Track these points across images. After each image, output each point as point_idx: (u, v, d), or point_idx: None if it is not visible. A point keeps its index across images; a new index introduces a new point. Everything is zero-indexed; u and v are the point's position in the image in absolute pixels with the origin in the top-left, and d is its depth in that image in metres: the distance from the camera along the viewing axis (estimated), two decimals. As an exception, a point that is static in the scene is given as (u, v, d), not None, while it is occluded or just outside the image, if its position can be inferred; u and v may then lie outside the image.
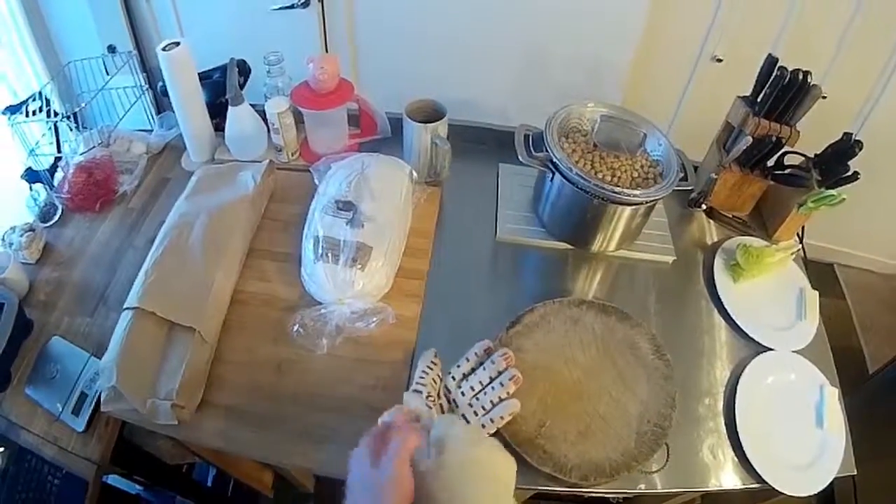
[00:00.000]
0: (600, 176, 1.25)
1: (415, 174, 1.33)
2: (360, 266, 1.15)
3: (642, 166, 1.31)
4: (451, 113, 1.40)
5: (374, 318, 1.14)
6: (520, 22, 1.72)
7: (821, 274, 3.39)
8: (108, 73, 1.57)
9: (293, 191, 1.42)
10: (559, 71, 1.75)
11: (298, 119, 1.47)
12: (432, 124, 1.34)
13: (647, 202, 1.25)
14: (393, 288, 1.24)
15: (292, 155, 1.50)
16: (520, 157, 1.26)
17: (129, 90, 1.59)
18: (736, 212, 1.59)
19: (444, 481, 0.69)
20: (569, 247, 1.41)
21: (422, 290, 1.27)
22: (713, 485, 1.16)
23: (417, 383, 0.95)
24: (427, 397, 0.93)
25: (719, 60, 2.02)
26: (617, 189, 1.20)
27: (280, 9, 1.86)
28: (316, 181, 1.31)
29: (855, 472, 1.30)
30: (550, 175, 1.28)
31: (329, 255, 1.15)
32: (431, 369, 0.97)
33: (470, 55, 1.80)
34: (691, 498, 1.61)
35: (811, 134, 1.49)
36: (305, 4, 1.84)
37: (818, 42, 2.04)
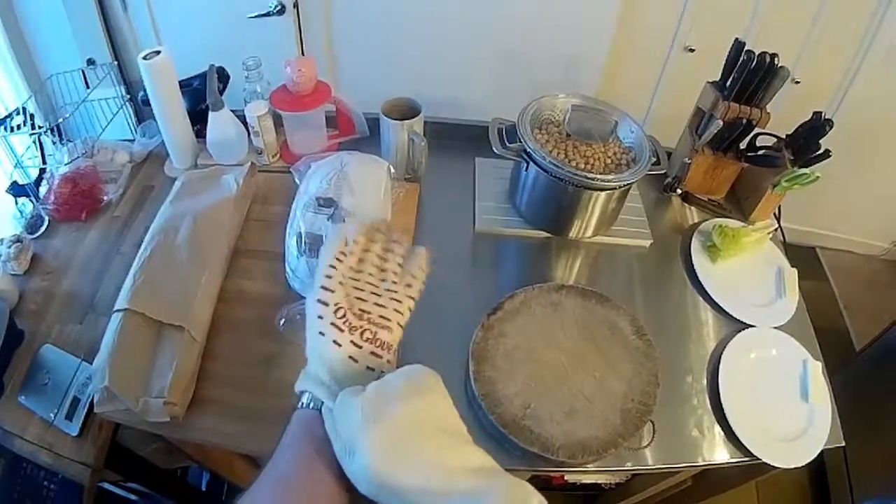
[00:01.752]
0: (574, 164, 1.28)
1: (393, 170, 1.35)
2: (342, 260, 1.17)
3: (615, 153, 1.34)
4: (429, 112, 1.43)
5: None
6: (495, 23, 1.75)
7: (803, 257, 3.43)
8: (88, 86, 1.59)
9: (275, 192, 1.44)
10: (535, 69, 1.78)
11: (278, 122, 1.49)
12: (408, 121, 1.37)
13: (620, 187, 1.28)
14: None
15: (273, 157, 1.52)
16: (494, 149, 1.29)
17: (111, 101, 1.61)
18: (711, 195, 1.62)
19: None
20: (547, 235, 1.44)
21: None
22: (702, 460, 1.18)
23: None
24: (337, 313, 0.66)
25: (691, 50, 2.06)
26: (590, 175, 1.23)
27: (257, 16, 1.88)
28: (297, 181, 1.33)
29: (843, 444, 1.32)
30: (525, 165, 1.31)
31: (312, 250, 1.17)
32: (341, 262, 0.70)
33: (447, 56, 1.83)
34: (682, 479, 1.64)
35: (786, 119, 1.52)
36: (281, 11, 1.87)
37: (789, 28, 2.08)
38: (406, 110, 1.42)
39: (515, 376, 1.12)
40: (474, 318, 1.18)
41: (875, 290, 3.43)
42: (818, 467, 2.38)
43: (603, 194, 1.28)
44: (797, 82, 2.12)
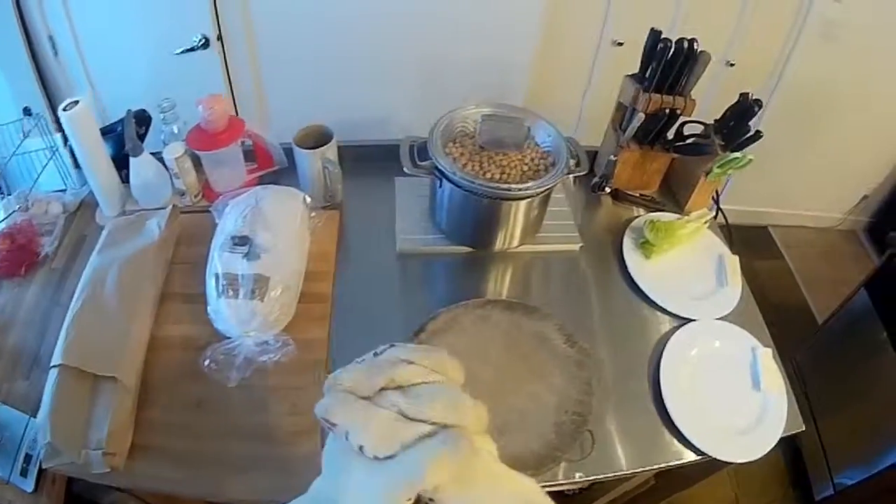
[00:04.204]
0: (489, 175, 1.28)
1: (309, 199, 1.35)
2: (259, 297, 1.17)
3: (532, 159, 1.33)
4: (360, 134, 1.44)
5: (280, 347, 1.16)
6: (417, 36, 1.74)
7: (756, 238, 3.49)
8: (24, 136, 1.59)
9: (198, 232, 1.43)
10: (461, 79, 1.77)
11: (198, 161, 1.48)
12: (320, 149, 1.36)
13: (538, 193, 1.27)
14: (297, 314, 1.26)
15: (196, 197, 1.51)
16: (405, 169, 1.28)
17: (44, 151, 1.60)
18: (643, 190, 1.61)
19: None
20: (471, 250, 1.43)
21: (327, 312, 1.28)
22: (653, 464, 1.17)
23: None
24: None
25: (619, 44, 2.05)
26: (504, 186, 1.23)
27: (183, 52, 1.87)
28: (216, 220, 1.33)
29: (803, 428, 1.31)
30: (439, 182, 1.30)
31: (229, 290, 1.17)
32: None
33: (373, 74, 1.82)
34: (643, 479, 1.63)
35: (724, 104, 1.51)
36: (206, 45, 1.86)
37: (718, 11, 2.07)
38: (320, 137, 1.41)
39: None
40: (403, 339, 1.17)
41: (831, 261, 3.44)
42: (792, 444, 2.39)
43: (523, 203, 1.28)
44: (732, 65, 2.12)
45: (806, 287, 3.27)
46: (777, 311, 2.92)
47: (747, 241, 3.24)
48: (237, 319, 1.16)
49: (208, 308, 1.22)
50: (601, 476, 1.13)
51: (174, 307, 1.32)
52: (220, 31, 1.88)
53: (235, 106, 2.00)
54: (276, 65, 1.87)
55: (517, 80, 1.71)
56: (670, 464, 1.19)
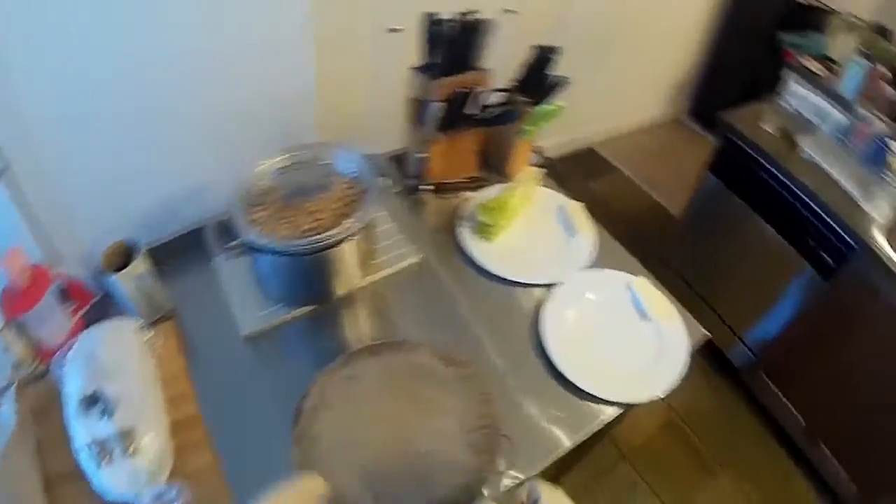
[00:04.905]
0: (304, 228, 1.19)
1: (141, 320, 1.24)
2: (133, 452, 1.06)
3: (344, 193, 1.26)
4: (179, 216, 1.38)
5: (176, 496, 1.07)
6: (195, 106, 1.60)
7: (584, 160, 3.54)
8: None
9: (53, 400, 1.29)
10: (250, 125, 1.65)
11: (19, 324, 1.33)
12: (128, 269, 1.22)
13: (358, 230, 1.20)
14: (178, 448, 1.13)
15: (35, 363, 1.35)
16: (217, 257, 1.19)
17: None
18: (465, 173, 1.58)
19: None
20: (315, 307, 1.33)
21: (203, 433, 1.17)
22: (582, 431, 1.17)
23: None
24: None
25: (396, 31, 1.96)
26: (322, 237, 1.15)
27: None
28: (58, 387, 1.20)
29: (710, 336, 1.35)
30: (255, 257, 1.22)
31: (103, 458, 1.06)
32: None
33: (165, 148, 1.64)
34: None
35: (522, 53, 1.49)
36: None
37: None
38: (126, 252, 1.28)
39: (349, 473, 1.03)
40: (282, 436, 1.08)
41: (662, 157, 3.60)
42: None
43: (346, 244, 1.20)
44: (514, 12, 2.10)
45: (652, 188, 3.40)
46: (634, 222, 3.04)
47: (577, 167, 3.33)
48: (125, 484, 1.05)
49: (93, 484, 1.10)
50: (543, 465, 1.12)
51: (66, 491, 1.16)
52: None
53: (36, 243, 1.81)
54: (74, 185, 1.69)
55: (303, 111, 1.61)
56: (601, 422, 1.20)
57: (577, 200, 1.56)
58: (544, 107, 1.50)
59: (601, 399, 1.21)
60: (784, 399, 2.52)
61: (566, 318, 1.33)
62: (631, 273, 1.43)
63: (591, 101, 3.03)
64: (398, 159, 1.61)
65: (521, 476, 1.08)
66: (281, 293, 1.32)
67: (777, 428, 2.61)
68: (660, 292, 1.40)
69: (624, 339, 1.33)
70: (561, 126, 2.94)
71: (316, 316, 1.33)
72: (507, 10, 2.14)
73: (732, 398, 2.72)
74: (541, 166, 1.63)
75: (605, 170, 3.49)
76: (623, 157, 3.55)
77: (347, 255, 1.25)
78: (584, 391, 1.21)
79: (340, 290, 1.33)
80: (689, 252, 2.68)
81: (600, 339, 1.32)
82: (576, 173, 3.08)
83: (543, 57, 1.46)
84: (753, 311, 2.47)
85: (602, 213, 1.55)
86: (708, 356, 2.72)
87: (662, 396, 1.23)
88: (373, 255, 1.38)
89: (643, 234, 2.56)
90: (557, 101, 1.52)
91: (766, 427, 2.64)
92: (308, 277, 1.27)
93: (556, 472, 2.02)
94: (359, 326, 1.35)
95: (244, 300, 1.33)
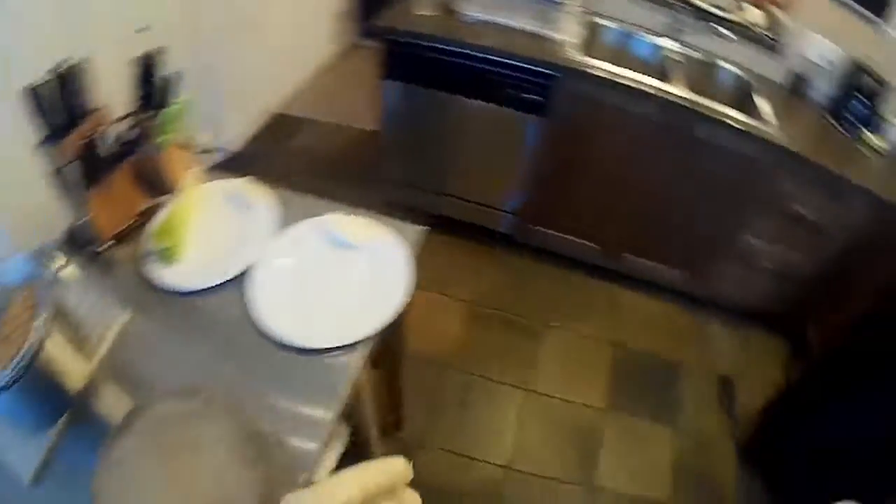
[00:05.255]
0: (10, 355, 1.07)
1: None
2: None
3: (26, 305, 1.16)
4: None
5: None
6: None
7: (279, 127, 3.42)
8: None
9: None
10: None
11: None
12: None
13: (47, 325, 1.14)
14: None
15: None
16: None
17: None
18: (134, 211, 1.51)
19: None
20: (67, 414, 1.23)
21: None
22: (343, 386, 1.20)
23: None
24: None
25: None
26: (20, 357, 1.08)
27: None
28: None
29: (429, 229, 1.43)
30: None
31: None
32: None
33: None
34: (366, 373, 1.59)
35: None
36: None
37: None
38: None
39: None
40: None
41: (349, 88, 3.72)
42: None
43: (48, 346, 1.13)
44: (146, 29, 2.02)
45: (353, 121, 3.43)
46: (343, 160, 3.06)
47: (272, 138, 3.30)
48: None
49: None
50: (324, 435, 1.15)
51: None
52: None
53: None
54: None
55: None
56: (356, 368, 1.23)
57: (278, 171, 1.55)
58: (167, 110, 1.47)
59: (341, 346, 1.24)
60: (567, 236, 2.66)
61: (278, 289, 1.33)
62: (324, 214, 1.45)
63: (253, 74, 3.06)
64: (71, 234, 1.53)
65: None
66: (31, 422, 1.23)
67: (577, 264, 2.76)
68: (361, 218, 1.43)
69: (340, 279, 1.36)
70: (235, 110, 2.92)
71: (73, 420, 1.24)
72: (141, 29, 2.06)
73: (522, 263, 2.82)
74: (212, 161, 1.60)
75: (302, 125, 3.42)
76: (312, 107, 3.55)
77: (58, 353, 1.19)
78: (323, 349, 1.24)
79: (77, 385, 1.25)
80: (409, 160, 2.71)
81: (318, 292, 1.34)
82: (274, 143, 3.03)
83: (146, 64, 1.43)
84: (498, 178, 2.59)
85: (306, 168, 1.53)
86: (479, 238, 2.80)
87: (407, 301, 1.29)
88: (86, 336, 1.31)
89: (354, 167, 2.57)
90: (180, 97, 1.49)
91: (568, 269, 2.78)
92: (42, 392, 1.20)
93: (389, 424, 2.07)
94: (115, 404, 1.25)
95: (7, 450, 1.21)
